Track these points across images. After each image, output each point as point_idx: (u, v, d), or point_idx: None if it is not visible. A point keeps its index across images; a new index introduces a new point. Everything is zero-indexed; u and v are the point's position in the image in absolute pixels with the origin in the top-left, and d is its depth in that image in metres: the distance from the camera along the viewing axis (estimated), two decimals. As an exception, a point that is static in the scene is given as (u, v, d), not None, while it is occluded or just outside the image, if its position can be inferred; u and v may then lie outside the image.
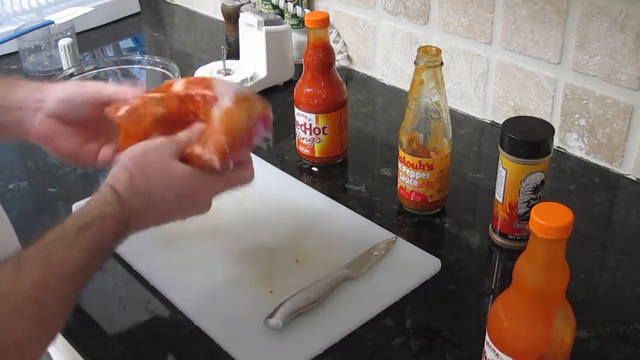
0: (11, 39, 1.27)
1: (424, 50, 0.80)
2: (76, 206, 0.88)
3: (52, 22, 1.29)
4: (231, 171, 0.67)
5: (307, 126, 0.97)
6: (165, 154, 0.63)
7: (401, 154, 0.86)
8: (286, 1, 1.29)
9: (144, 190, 0.61)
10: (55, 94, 0.70)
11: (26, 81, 0.73)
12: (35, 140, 0.71)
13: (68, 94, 0.70)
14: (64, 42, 1.23)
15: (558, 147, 1.02)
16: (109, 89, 0.70)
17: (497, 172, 0.81)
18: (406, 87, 1.14)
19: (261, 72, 1.20)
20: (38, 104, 0.70)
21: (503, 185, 0.80)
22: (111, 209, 0.59)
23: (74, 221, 0.57)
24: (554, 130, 0.78)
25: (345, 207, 0.89)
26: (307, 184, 0.96)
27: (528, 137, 0.77)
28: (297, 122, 0.99)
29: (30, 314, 0.52)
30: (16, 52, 1.32)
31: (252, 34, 1.19)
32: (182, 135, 0.66)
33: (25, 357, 0.52)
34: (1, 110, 0.70)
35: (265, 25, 1.16)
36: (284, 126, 1.12)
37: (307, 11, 1.28)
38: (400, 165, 0.87)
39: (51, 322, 0.54)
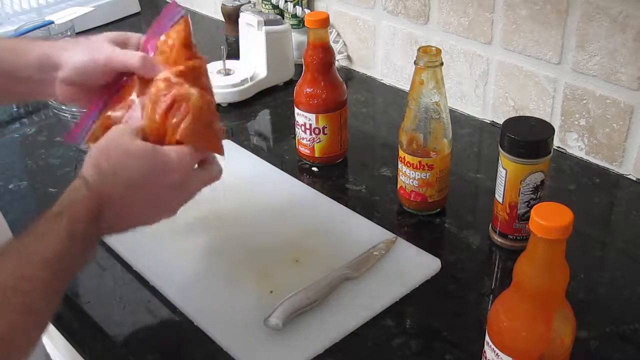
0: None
1: (424, 51, 0.80)
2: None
3: (52, 22, 1.29)
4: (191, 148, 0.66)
5: (307, 126, 0.97)
6: (126, 134, 0.63)
7: (401, 154, 0.86)
8: (286, 1, 1.29)
9: (108, 170, 0.61)
10: (68, 61, 0.69)
11: (35, 44, 0.71)
12: (62, 101, 0.73)
13: (81, 63, 0.68)
14: (64, 42, 1.22)
15: (558, 147, 1.02)
16: (118, 58, 0.68)
17: (497, 172, 0.81)
18: (406, 87, 1.14)
19: (261, 72, 1.20)
20: (53, 73, 0.69)
21: (503, 185, 0.80)
22: (79, 194, 0.59)
23: (47, 213, 0.58)
24: (554, 130, 0.78)
25: (345, 207, 0.89)
26: (307, 184, 0.96)
27: (528, 137, 0.77)
28: (297, 122, 0.99)
29: (12, 304, 0.52)
30: (16, 52, 1.31)
31: (252, 34, 1.19)
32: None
33: (12, 350, 0.52)
34: (20, 81, 0.70)
35: (265, 25, 1.16)
36: (284, 126, 1.12)
37: (307, 11, 1.28)
38: (400, 165, 0.87)
39: (36, 312, 0.54)
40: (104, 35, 0.71)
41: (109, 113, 0.69)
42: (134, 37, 0.73)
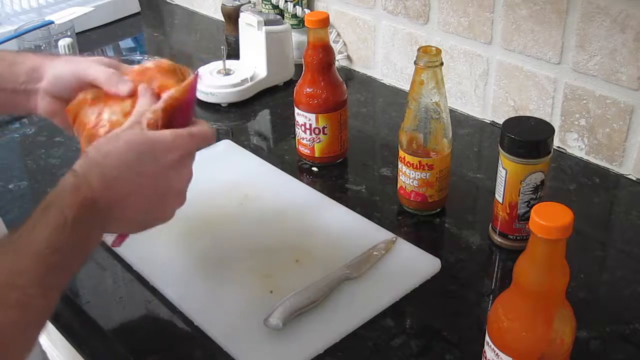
0: (11, 39, 1.27)
1: (424, 51, 0.80)
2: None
3: (52, 22, 1.29)
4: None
5: (307, 126, 0.97)
6: (117, 130, 0.63)
7: (401, 154, 0.86)
8: (286, 1, 1.29)
9: (97, 156, 0.60)
10: (50, 72, 0.70)
11: (26, 56, 0.73)
12: (43, 116, 0.72)
13: (57, 74, 0.70)
14: (64, 42, 1.23)
15: (558, 147, 1.02)
16: (92, 73, 0.69)
17: (497, 172, 0.81)
18: (406, 87, 1.14)
19: (261, 72, 1.20)
20: (37, 84, 0.71)
21: (503, 185, 0.80)
22: (67, 183, 0.58)
23: (37, 207, 0.57)
24: (554, 130, 0.78)
25: (345, 207, 0.89)
26: (307, 184, 0.96)
27: (528, 137, 0.77)
28: (297, 122, 0.99)
29: (8, 301, 0.51)
30: (16, 52, 1.32)
31: (252, 34, 1.19)
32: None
33: (11, 348, 0.51)
34: (7, 93, 0.71)
35: (265, 25, 1.16)
36: (284, 126, 1.12)
37: (307, 11, 1.28)
38: (400, 165, 0.87)
39: (34, 308, 0.53)
40: (97, 57, 0.72)
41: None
42: (124, 66, 0.73)
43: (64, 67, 0.70)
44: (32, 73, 0.71)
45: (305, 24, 0.94)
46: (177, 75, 0.70)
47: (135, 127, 0.63)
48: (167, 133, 0.63)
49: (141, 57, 1.21)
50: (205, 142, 0.66)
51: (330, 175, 0.99)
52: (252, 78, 1.19)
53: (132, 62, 1.20)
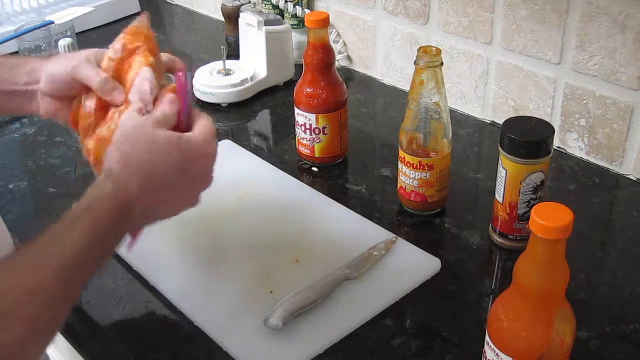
0: (11, 39, 1.27)
1: (424, 51, 0.80)
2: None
3: (52, 22, 1.29)
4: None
5: (307, 126, 0.97)
6: (147, 124, 0.62)
7: (401, 154, 0.86)
8: (286, 1, 1.29)
9: (136, 164, 0.60)
10: (47, 71, 0.70)
11: (26, 59, 0.74)
12: (45, 117, 0.73)
13: (50, 73, 0.70)
14: (64, 42, 1.22)
15: (558, 147, 1.02)
16: (83, 73, 0.68)
17: (497, 172, 0.81)
18: (406, 87, 1.14)
19: (261, 72, 1.20)
20: (37, 85, 0.71)
21: (503, 185, 0.80)
22: (106, 188, 0.58)
23: (72, 210, 0.56)
24: (554, 130, 0.78)
25: (345, 207, 0.89)
26: (307, 184, 0.96)
27: (528, 137, 0.77)
28: (297, 122, 0.99)
29: (19, 317, 0.50)
30: (16, 52, 1.31)
31: (252, 34, 1.19)
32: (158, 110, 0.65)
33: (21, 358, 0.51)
34: (9, 95, 0.71)
35: (265, 25, 1.16)
36: (284, 126, 1.12)
37: (307, 11, 1.28)
38: (400, 165, 0.87)
39: (44, 325, 0.52)
40: (87, 50, 0.71)
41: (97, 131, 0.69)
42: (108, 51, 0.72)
43: (56, 65, 0.70)
44: (31, 74, 0.71)
45: (305, 24, 0.94)
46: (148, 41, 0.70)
47: (161, 125, 0.62)
48: (196, 138, 0.63)
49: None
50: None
51: (330, 175, 0.99)
52: (252, 78, 1.19)
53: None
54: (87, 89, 0.68)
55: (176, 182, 0.62)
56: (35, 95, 0.71)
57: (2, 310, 0.49)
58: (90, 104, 0.67)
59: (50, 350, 1.02)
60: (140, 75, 0.66)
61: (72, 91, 0.70)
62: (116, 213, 0.57)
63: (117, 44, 0.69)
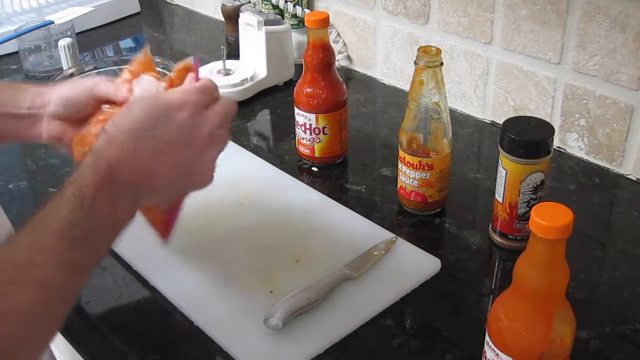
0: (11, 39, 1.28)
1: (423, 51, 0.80)
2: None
3: (52, 22, 1.29)
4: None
5: (307, 126, 0.97)
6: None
7: (401, 154, 0.86)
8: (286, 1, 1.29)
9: (115, 132, 0.60)
10: (55, 96, 0.71)
11: (30, 85, 0.74)
12: (47, 141, 0.73)
13: (65, 95, 0.71)
14: (64, 42, 1.23)
15: (558, 147, 1.02)
16: (102, 88, 0.71)
17: (497, 172, 0.81)
18: (406, 87, 1.14)
19: (261, 72, 1.20)
20: (42, 109, 0.72)
21: (503, 185, 0.80)
22: (86, 164, 0.58)
23: (58, 190, 0.57)
24: (554, 130, 0.78)
25: (345, 207, 0.89)
26: (307, 184, 0.96)
27: (528, 137, 0.77)
28: (297, 122, 0.99)
29: (26, 280, 0.51)
30: (16, 52, 1.32)
31: (252, 34, 1.19)
32: None
33: (38, 326, 0.51)
34: (10, 119, 0.71)
35: (265, 25, 1.16)
36: (284, 126, 1.12)
37: (307, 11, 1.28)
38: (400, 165, 0.87)
39: (55, 285, 0.53)
40: (98, 77, 0.74)
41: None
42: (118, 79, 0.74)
43: (73, 87, 0.72)
44: (36, 98, 0.72)
45: (305, 24, 0.94)
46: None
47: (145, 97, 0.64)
48: (172, 92, 0.64)
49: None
50: (212, 92, 0.65)
51: (330, 175, 0.99)
52: (252, 78, 1.19)
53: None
54: (97, 113, 0.71)
55: (165, 136, 0.61)
56: (40, 119, 0.72)
57: (11, 279, 0.51)
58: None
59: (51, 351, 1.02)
60: (143, 78, 0.69)
61: (87, 111, 0.71)
62: (97, 178, 0.57)
63: (125, 74, 0.73)
